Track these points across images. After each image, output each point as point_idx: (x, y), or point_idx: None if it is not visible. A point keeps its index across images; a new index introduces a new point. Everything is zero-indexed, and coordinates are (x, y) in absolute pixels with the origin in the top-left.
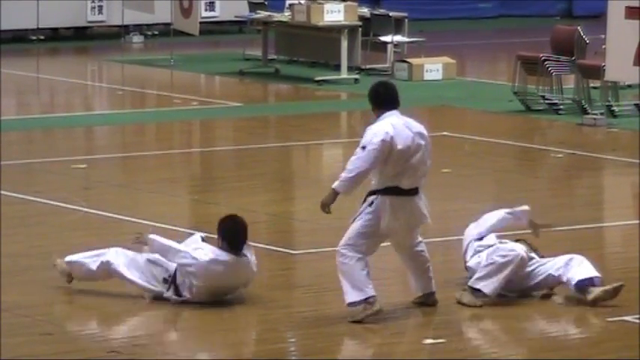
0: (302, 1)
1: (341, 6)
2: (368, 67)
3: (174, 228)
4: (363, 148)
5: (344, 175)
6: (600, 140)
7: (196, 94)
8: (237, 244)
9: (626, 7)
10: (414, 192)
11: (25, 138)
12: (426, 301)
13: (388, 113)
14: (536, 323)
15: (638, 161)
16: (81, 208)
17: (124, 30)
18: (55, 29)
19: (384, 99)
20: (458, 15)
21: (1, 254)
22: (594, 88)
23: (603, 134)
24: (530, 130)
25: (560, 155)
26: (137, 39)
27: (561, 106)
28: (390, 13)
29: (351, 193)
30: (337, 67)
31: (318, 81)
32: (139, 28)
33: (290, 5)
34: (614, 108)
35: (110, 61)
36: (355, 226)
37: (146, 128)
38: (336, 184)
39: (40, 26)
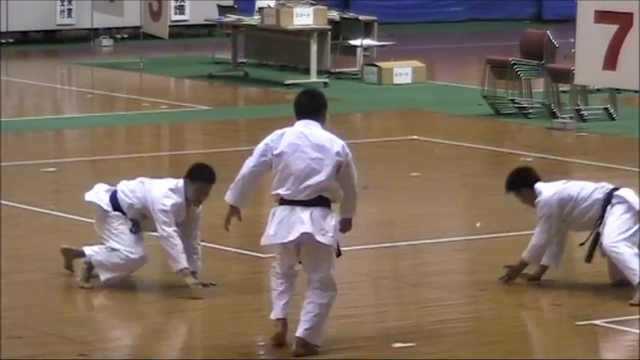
0: (271, 5)
1: (310, 10)
2: (337, 70)
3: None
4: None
5: (232, 184)
6: (570, 144)
7: (166, 98)
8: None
9: (596, 10)
10: (301, 204)
11: None
12: (302, 350)
13: (299, 122)
14: (504, 326)
15: (609, 165)
16: (50, 212)
17: (94, 33)
18: (25, 32)
19: (299, 108)
20: (428, 19)
21: None
22: (564, 92)
23: (573, 138)
24: (499, 134)
25: (529, 159)
26: (107, 42)
27: (531, 110)
28: (360, 17)
29: (244, 202)
30: (306, 71)
31: (287, 84)
32: (109, 32)
33: (259, 9)
34: (584, 112)
35: (80, 64)
36: None
37: (116, 131)
38: (226, 196)
39: (9, 29)
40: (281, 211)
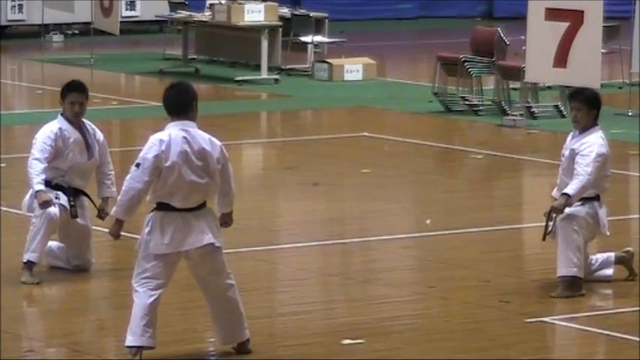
0: (222, 1)
1: (261, 6)
2: (288, 67)
3: (94, 228)
4: (137, 165)
5: (119, 198)
6: (520, 141)
7: (116, 94)
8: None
9: (546, 8)
10: (190, 210)
11: None
12: (240, 350)
13: (173, 124)
14: (453, 323)
15: (558, 162)
16: None
17: (44, 29)
18: None
19: (169, 104)
20: (378, 16)
21: None
22: (514, 89)
23: (523, 135)
24: (449, 131)
25: (479, 156)
26: (57, 38)
27: (481, 107)
28: (311, 14)
29: (133, 215)
30: (257, 67)
31: (238, 81)
32: (59, 27)
33: (210, 5)
34: (534, 109)
35: (30, 60)
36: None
37: None
38: (114, 211)
39: None
40: (171, 219)
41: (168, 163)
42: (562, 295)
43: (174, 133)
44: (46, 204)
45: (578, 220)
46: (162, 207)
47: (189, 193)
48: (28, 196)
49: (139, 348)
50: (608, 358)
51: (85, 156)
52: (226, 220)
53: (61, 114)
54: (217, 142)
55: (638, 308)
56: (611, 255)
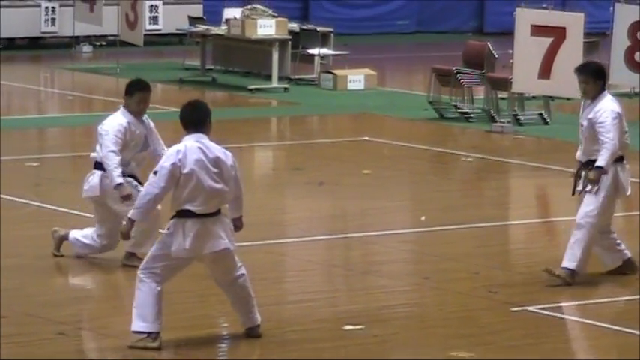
0: (237, 17)
1: (272, 21)
2: (297, 77)
3: None
4: (155, 173)
5: (137, 202)
6: (507, 146)
7: None
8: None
9: (532, 25)
10: (208, 216)
11: None
12: (250, 334)
13: (188, 137)
14: (445, 311)
15: (542, 165)
16: (32, 202)
17: (75, 40)
18: (12, 39)
19: (185, 120)
20: (379, 31)
21: None
22: (502, 98)
23: (510, 141)
24: (443, 137)
25: (470, 159)
26: (87, 49)
27: (472, 115)
28: (318, 29)
29: (147, 219)
30: (268, 77)
31: (251, 89)
32: (89, 39)
33: (226, 20)
34: (520, 117)
35: (62, 68)
36: (151, 249)
37: (93, 130)
38: (131, 213)
39: None
40: (192, 225)
41: (186, 170)
42: (564, 283)
43: (189, 144)
44: (128, 197)
45: (596, 212)
46: (183, 214)
47: (208, 199)
48: (97, 179)
49: (157, 334)
50: (584, 343)
51: (144, 146)
52: (237, 224)
53: (125, 107)
54: (229, 153)
55: (613, 299)
56: (627, 254)
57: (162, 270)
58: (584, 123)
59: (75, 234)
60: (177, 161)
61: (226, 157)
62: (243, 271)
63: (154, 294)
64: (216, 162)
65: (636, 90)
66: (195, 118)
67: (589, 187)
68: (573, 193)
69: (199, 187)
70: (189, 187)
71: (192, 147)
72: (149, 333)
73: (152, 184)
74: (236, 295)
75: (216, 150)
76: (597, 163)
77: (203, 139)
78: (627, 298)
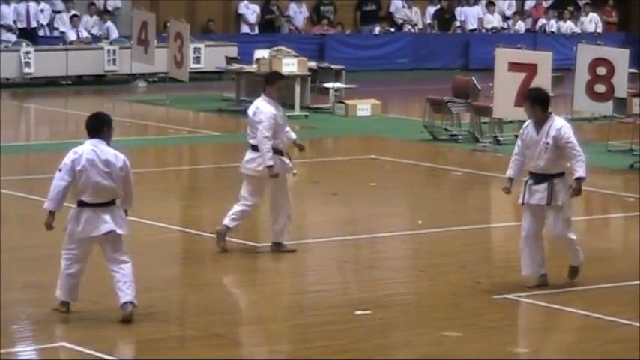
0: (265, 57)
1: (295, 60)
2: (315, 106)
3: (167, 226)
4: (60, 169)
5: (49, 196)
6: (488, 163)
7: (186, 126)
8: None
9: (509, 62)
10: (99, 206)
11: (55, 158)
12: (122, 308)
13: (88, 141)
14: (437, 298)
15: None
16: None
17: (132, 77)
18: (80, 76)
19: (88, 128)
20: (382, 67)
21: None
22: (484, 123)
23: (491, 158)
24: (435, 155)
25: (458, 173)
26: (141, 84)
27: (459, 137)
28: (332, 66)
29: (60, 207)
30: (292, 106)
31: None
32: (143, 76)
33: (257, 59)
34: (500, 138)
35: (121, 100)
36: None
37: (147, 151)
38: (46, 205)
39: (68, 73)
40: (85, 212)
41: (79, 168)
42: (572, 278)
43: (86, 147)
44: (276, 176)
45: (568, 215)
46: (79, 204)
47: (97, 192)
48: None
49: (67, 302)
50: (554, 324)
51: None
52: (124, 215)
53: (266, 95)
54: (121, 156)
55: (581, 287)
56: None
57: (75, 250)
58: (550, 141)
59: (227, 222)
60: (75, 160)
61: (117, 159)
62: (126, 258)
63: (69, 269)
64: (107, 163)
65: (595, 116)
66: (94, 126)
67: (574, 197)
68: (522, 203)
69: (89, 182)
70: (81, 182)
71: (87, 149)
72: (62, 302)
73: (59, 178)
74: (116, 275)
75: (109, 153)
76: (578, 175)
77: (99, 143)
78: (592, 286)
